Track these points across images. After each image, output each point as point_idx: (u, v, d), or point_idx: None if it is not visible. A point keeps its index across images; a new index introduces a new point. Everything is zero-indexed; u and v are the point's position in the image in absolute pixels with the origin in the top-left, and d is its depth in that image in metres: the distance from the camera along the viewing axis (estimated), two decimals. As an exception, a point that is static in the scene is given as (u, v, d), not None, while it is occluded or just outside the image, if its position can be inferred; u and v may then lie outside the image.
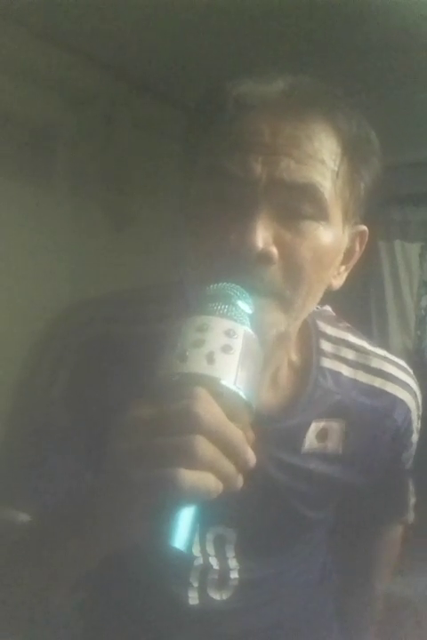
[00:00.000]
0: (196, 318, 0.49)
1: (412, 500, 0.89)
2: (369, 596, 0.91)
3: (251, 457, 0.47)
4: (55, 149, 2.08)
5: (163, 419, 0.45)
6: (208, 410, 0.44)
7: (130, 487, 0.45)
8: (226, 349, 0.47)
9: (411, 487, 0.89)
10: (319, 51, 1.75)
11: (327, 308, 0.79)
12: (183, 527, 0.44)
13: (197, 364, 0.46)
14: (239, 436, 0.46)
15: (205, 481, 0.44)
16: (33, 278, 1.94)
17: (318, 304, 0.71)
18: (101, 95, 2.10)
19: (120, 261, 2.16)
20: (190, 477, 0.43)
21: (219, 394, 0.46)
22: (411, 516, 0.91)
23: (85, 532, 0.52)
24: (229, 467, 0.46)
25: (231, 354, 0.47)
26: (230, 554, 0.72)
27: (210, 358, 0.46)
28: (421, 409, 0.80)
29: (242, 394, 0.47)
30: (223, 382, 0.46)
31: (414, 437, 0.80)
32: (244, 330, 0.49)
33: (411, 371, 0.79)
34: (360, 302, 3.11)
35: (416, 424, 0.79)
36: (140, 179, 2.27)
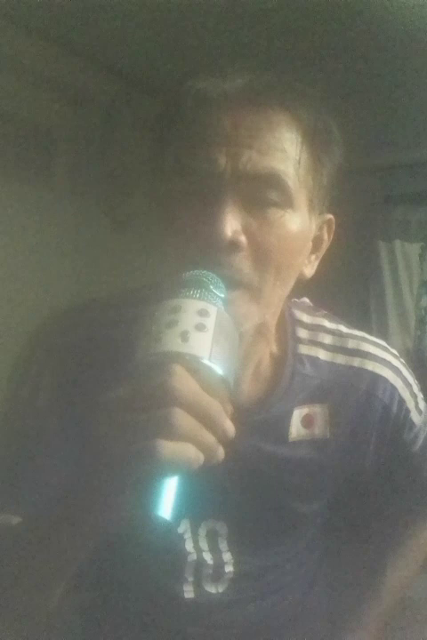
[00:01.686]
0: (169, 302, 0.51)
1: None
2: (373, 591, 0.90)
3: (229, 427, 0.48)
4: (55, 149, 2.08)
5: (141, 395, 0.46)
6: (184, 383, 0.46)
7: (112, 463, 0.47)
8: (199, 328, 0.48)
9: None
10: (318, 50, 1.75)
11: (305, 299, 0.79)
12: (168, 497, 0.45)
13: (172, 343, 0.47)
14: (217, 406, 0.47)
15: (185, 451, 0.46)
16: (33, 278, 1.93)
17: (302, 296, 0.72)
18: (101, 95, 2.10)
19: (120, 261, 2.16)
20: (170, 448, 0.45)
21: (195, 369, 0.47)
22: None
23: (75, 516, 0.53)
24: (208, 437, 0.47)
25: (205, 331, 0.48)
26: (224, 547, 0.73)
27: (184, 337, 0.47)
28: (416, 386, 0.80)
29: (217, 368, 0.48)
30: (199, 358, 0.47)
31: (416, 417, 0.79)
32: (216, 309, 0.50)
33: (394, 351, 0.79)
34: (360, 302, 3.12)
35: (414, 403, 0.79)
36: (141, 179, 2.27)
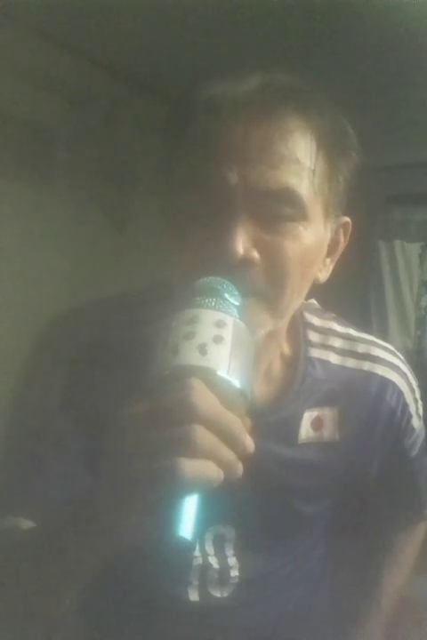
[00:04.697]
0: (185, 312, 0.49)
1: None
2: (370, 593, 0.90)
3: (249, 443, 0.47)
4: (55, 149, 2.08)
5: (160, 411, 0.45)
6: (204, 399, 0.44)
7: (131, 482, 0.45)
8: (217, 340, 0.47)
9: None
10: (318, 51, 1.75)
11: (313, 301, 0.79)
12: (188, 517, 0.44)
13: (190, 356, 0.46)
14: (237, 422, 0.46)
15: (206, 469, 0.44)
16: (33, 278, 1.94)
17: (309, 298, 0.71)
18: (101, 95, 2.10)
19: (120, 261, 2.16)
20: (191, 466, 0.43)
21: (213, 384, 0.46)
22: None
23: (89, 532, 0.52)
24: (228, 454, 0.46)
25: (223, 344, 0.47)
26: (230, 552, 0.73)
27: (202, 349, 0.46)
28: (418, 392, 0.80)
29: (236, 382, 0.47)
30: (217, 372, 0.46)
31: (416, 422, 0.79)
32: (233, 320, 0.49)
33: (400, 355, 0.79)
34: (360, 302, 3.12)
35: (415, 408, 0.79)
36: (141, 179, 2.27)
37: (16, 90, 1.87)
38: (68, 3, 1.57)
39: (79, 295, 1.84)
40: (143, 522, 0.46)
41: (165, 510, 0.44)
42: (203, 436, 0.44)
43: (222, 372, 0.46)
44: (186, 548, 0.45)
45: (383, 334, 3.05)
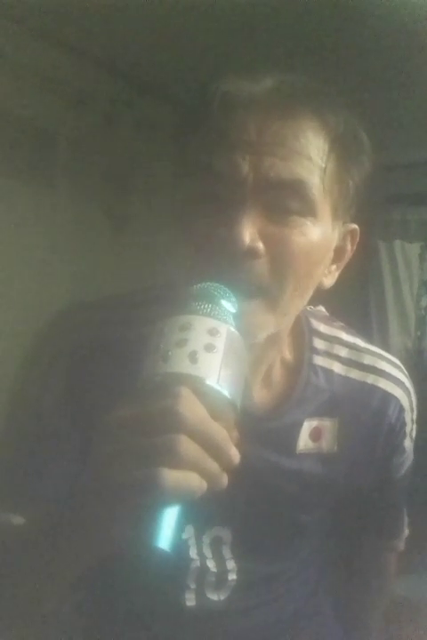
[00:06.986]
0: (178, 318, 0.49)
1: (405, 530, 0.87)
2: (367, 599, 0.90)
3: (235, 455, 0.47)
4: (55, 149, 2.08)
5: (145, 418, 0.45)
6: (191, 409, 0.44)
7: (113, 488, 0.45)
8: (209, 348, 0.47)
9: (404, 511, 0.86)
10: (318, 50, 1.75)
11: (321, 307, 0.78)
12: (167, 527, 0.44)
13: (180, 364, 0.46)
14: (223, 434, 0.46)
15: (189, 480, 0.44)
16: (33, 278, 1.94)
17: (313, 304, 0.71)
18: (101, 95, 2.11)
19: (120, 261, 2.16)
20: (174, 477, 0.43)
21: (202, 393, 0.45)
22: (401, 543, 0.88)
23: (75, 534, 0.52)
24: (212, 465, 0.45)
25: (214, 352, 0.47)
26: (228, 555, 0.72)
27: (193, 357, 0.46)
28: (415, 412, 0.79)
29: (225, 392, 0.47)
30: (207, 381, 0.46)
31: (408, 443, 0.79)
32: (227, 328, 0.49)
33: (405, 370, 0.79)
34: (360, 302, 3.12)
35: (410, 427, 0.78)
36: (141, 179, 2.27)
37: (16, 90, 1.87)
38: (69, 3, 1.57)
39: (79, 295, 1.84)
40: (126, 527, 0.46)
41: (146, 519, 0.44)
42: (187, 446, 0.43)
43: (212, 382, 0.46)
44: (164, 558, 0.44)
45: (383, 334, 3.04)
